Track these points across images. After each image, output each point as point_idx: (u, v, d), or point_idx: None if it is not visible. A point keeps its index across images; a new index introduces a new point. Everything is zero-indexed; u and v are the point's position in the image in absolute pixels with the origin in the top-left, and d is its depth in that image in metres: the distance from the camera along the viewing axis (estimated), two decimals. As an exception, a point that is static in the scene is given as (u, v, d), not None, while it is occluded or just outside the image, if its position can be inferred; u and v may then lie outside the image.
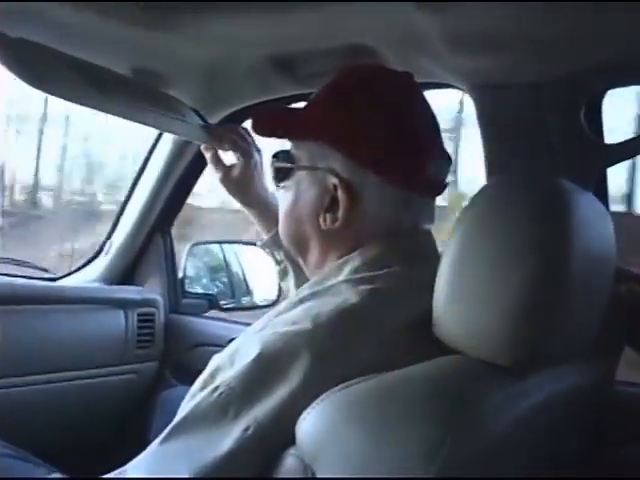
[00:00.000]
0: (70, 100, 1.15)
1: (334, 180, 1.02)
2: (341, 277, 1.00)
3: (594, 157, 1.27)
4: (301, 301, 0.99)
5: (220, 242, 2.26)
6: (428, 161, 1.05)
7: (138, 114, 1.28)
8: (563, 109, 1.26)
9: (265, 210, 1.45)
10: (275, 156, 1.12)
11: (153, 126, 1.39)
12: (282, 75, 1.43)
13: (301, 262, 1.13)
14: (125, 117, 1.26)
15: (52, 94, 1.11)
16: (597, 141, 1.28)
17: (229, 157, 1.45)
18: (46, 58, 1.16)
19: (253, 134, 1.42)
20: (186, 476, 0.82)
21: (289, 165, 1.09)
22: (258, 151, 1.44)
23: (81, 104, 1.17)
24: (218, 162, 1.45)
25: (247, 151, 1.42)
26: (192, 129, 1.42)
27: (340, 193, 1.02)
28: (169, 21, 1.21)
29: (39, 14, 1.13)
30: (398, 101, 1.05)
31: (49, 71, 1.13)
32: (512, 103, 1.30)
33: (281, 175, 1.10)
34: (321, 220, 1.05)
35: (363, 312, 0.91)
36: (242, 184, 1.43)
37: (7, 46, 1.08)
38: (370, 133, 1.02)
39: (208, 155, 1.46)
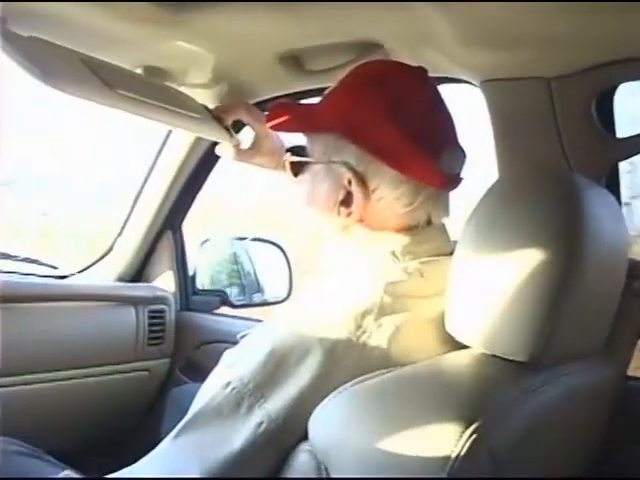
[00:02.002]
0: (83, 97, 1.15)
1: (348, 174, 1.02)
2: (355, 271, 1.00)
3: (606, 151, 1.26)
4: (314, 296, 0.99)
5: (231, 239, 2.26)
6: (443, 155, 1.04)
7: (149, 111, 1.28)
8: (574, 103, 1.25)
9: None
10: (290, 150, 1.13)
11: (165, 122, 1.39)
12: (292, 71, 1.43)
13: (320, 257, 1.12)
14: (137, 114, 1.26)
15: (65, 92, 1.11)
16: (608, 135, 1.28)
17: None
18: (58, 56, 1.16)
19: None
20: (201, 473, 0.82)
21: (304, 159, 1.09)
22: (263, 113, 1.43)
23: (93, 101, 1.17)
24: (241, 151, 1.44)
25: (258, 118, 1.41)
26: (203, 124, 1.42)
27: (354, 186, 1.02)
28: (179, 18, 1.21)
29: (51, 13, 1.13)
30: (413, 95, 1.05)
31: (62, 69, 1.13)
32: (523, 98, 1.29)
33: (296, 169, 1.11)
34: (336, 213, 1.05)
35: (376, 307, 0.91)
36: (268, 152, 1.43)
37: (19, 44, 1.08)
38: (385, 126, 1.02)
39: (230, 151, 1.44)
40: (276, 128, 1.16)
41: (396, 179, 1.02)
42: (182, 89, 1.49)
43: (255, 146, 1.44)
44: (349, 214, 1.04)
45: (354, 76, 1.09)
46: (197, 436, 0.87)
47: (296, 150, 1.12)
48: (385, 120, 1.02)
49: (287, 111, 1.15)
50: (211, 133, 1.44)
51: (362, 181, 1.02)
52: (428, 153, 1.03)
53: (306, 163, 1.10)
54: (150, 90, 1.31)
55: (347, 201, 1.04)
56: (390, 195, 1.03)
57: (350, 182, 1.02)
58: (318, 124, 1.07)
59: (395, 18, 1.17)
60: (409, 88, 1.05)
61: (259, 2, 1.16)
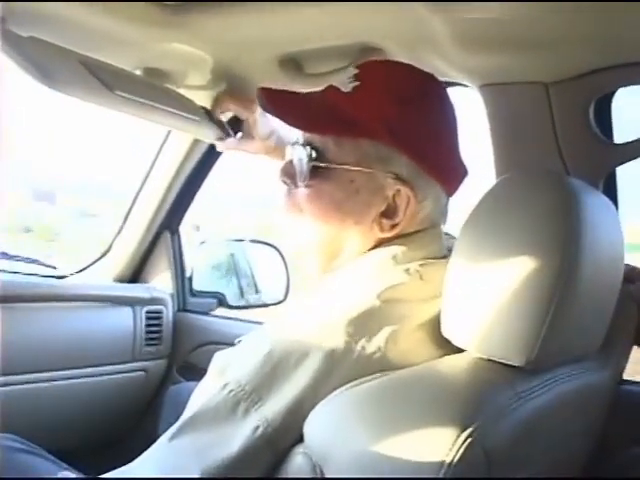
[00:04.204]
0: (81, 99, 1.15)
1: (397, 185, 1.00)
2: (354, 275, 1.00)
3: (603, 156, 1.27)
4: (313, 300, 0.99)
5: (229, 240, 2.26)
6: (465, 165, 1.06)
7: (148, 113, 1.28)
8: (572, 108, 1.26)
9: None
10: (304, 152, 1.02)
11: (163, 124, 1.39)
12: (291, 74, 1.43)
13: (318, 263, 1.08)
14: (135, 115, 1.26)
15: (63, 93, 1.11)
16: (606, 140, 1.28)
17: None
18: (57, 57, 1.16)
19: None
20: (197, 475, 0.82)
21: (341, 166, 1.01)
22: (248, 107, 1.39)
23: (91, 102, 1.17)
24: (235, 142, 1.41)
25: (245, 105, 1.39)
26: (201, 126, 1.42)
27: (402, 199, 1.00)
28: (179, 20, 1.21)
29: (50, 13, 1.13)
30: (452, 110, 1.06)
31: (60, 70, 1.13)
32: (522, 102, 1.30)
33: (314, 174, 1.02)
34: (375, 226, 1.02)
35: (374, 311, 0.91)
36: (264, 136, 1.40)
37: (18, 45, 1.08)
38: (439, 142, 1.02)
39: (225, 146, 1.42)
40: (297, 126, 1.06)
41: (440, 192, 1.03)
42: (181, 90, 1.49)
43: (244, 134, 1.41)
44: (393, 226, 1.01)
45: (402, 85, 1.03)
46: (194, 438, 0.86)
47: (312, 153, 1.02)
48: (440, 135, 1.02)
49: (302, 106, 1.08)
50: (209, 135, 1.44)
51: (414, 195, 1.00)
52: (460, 165, 1.06)
53: (326, 168, 1.02)
54: (149, 92, 1.31)
55: (387, 213, 1.01)
56: (429, 206, 1.03)
57: (395, 194, 1.00)
58: (360, 131, 1.00)
59: (394, 21, 1.17)
60: (448, 102, 1.06)
61: (258, 4, 1.16)
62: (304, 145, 1.03)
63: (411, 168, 1.00)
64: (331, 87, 1.06)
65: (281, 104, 1.08)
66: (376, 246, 1.03)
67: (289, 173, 1.07)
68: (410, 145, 1.00)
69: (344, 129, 1.01)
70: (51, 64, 1.12)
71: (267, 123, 1.40)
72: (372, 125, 1.00)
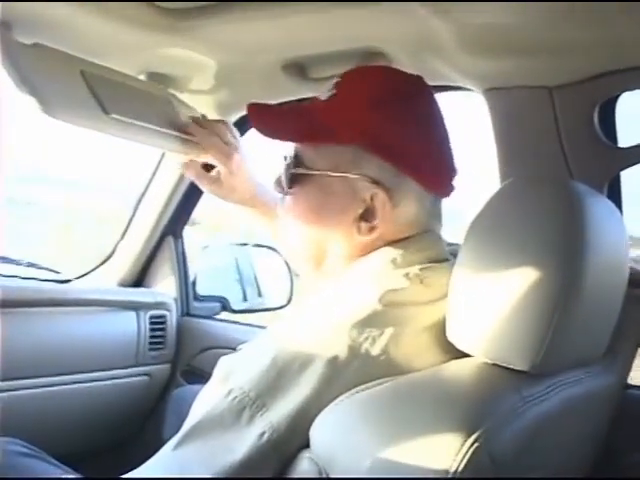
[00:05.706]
0: (75, 123, 1.13)
1: (372, 188, 1.00)
2: (358, 279, 1.00)
3: (607, 160, 1.27)
4: (316, 305, 0.99)
5: (232, 244, 2.26)
6: (452, 165, 1.06)
7: (144, 136, 1.26)
8: (577, 112, 1.26)
9: (263, 207, 1.41)
10: (287, 161, 1.05)
11: (163, 148, 1.36)
12: (295, 78, 1.43)
13: (307, 267, 1.10)
14: (131, 139, 1.25)
15: (58, 116, 1.09)
16: (610, 144, 1.28)
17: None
18: (60, 66, 1.15)
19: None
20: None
21: (315, 172, 1.03)
22: (236, 148, 1.33)
23: (86, 126, 1.16)
24: (201, 175, 1.37)
25: (226, 154, 1.32)
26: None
27: (379, 202, 1.00)
28: (183, 25, 1.22)
29: (56, 18, 1.14)
30: (434, 110, 1.06)
31: (59, 88, 1.12)
32: (526, 106, 1.30)
33: (295, 181, 1.05)
34: (354, 229, 1.02)
35: (377, 315, 0.91)
36: (229, 190, 1.37)
37: (21, 57, 1.08)
38: (416, 143, 1.01)
39: (190, 171, 1.38)
40: (276, 137, 1.09)
41: (420, 193, 1.02)
42: (184, 95, 1.49)
43: (224, 181, 1.36)
44: (371, 229, 1.01)
45: (374, 88, 1.03)
46: (199, 446, 0.86)
47: (293, 161, 1.05)
48: (417, 137, 1.01)
49: (280, 118, 1.11)
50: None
51: (389, 196, 1.00)
52: (445, 164, 1.05)
53: (306, 175, 1.04)
54: (146, 113, 1.28)
55: (366, 216, 1.01)
56: (412, 209, 1.02)
57: (372, 197, 1.00)
58: (332, 136, 1.01)
59: (398, 26, 1.17)
60: (430, 102, 1.06)
61: (261, 9, 1.17)
62: (288, 154, 1.06)
63: (385, 170, 1.00)
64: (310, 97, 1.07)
65: (261, 117, 1.11)
66: (367, 251, 1.03)
67: (278, 181, 1.09)
68: (382, 147, 1.00)
69: (319, 136, 1.03)
70: (50, 80, 1.11)
71: (245, 174, 1.36)
72: (344, 130, 1.01)
